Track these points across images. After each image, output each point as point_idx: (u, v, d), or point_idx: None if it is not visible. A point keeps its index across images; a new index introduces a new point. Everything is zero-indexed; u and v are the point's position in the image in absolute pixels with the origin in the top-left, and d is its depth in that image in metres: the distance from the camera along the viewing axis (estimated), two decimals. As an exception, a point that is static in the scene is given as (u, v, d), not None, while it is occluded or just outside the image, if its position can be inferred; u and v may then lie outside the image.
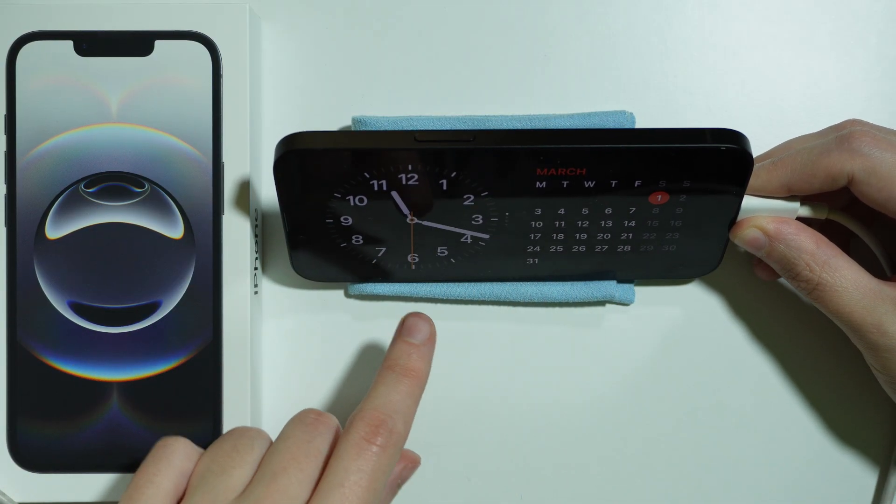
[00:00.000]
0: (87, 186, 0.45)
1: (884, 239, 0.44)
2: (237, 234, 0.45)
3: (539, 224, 0.43)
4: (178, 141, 0.45)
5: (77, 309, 0.45)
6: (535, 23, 0.48)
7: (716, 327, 0.48)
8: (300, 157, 0.40)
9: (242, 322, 0.45)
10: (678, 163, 0.40)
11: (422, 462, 0.47)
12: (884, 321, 0.41)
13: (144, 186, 0.45)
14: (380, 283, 0.47)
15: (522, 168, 0.40)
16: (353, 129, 0.46)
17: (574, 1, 0.48)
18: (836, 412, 0.48)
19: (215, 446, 0.41)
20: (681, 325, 0.48)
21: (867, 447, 0.48)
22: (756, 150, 0.41)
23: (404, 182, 0.40)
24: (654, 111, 0.48)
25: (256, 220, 0.46)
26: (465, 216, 0.42)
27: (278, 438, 0.40)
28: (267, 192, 0.47)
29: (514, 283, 0.47)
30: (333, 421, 0.41)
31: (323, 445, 0.39)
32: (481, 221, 0.43)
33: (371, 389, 0.40)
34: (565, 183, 0.40)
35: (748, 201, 0.42)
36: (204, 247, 0.45)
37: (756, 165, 0.41)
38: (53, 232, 0.45)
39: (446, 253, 0.45)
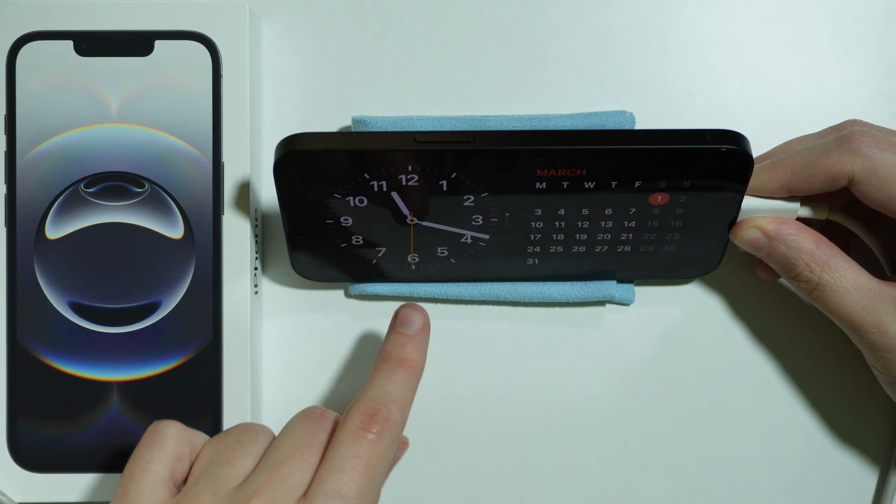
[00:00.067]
0: (87, 186, 0.45)
1: (884, 239, 0.44)
2: (237, 234, 0.45)
3: (539, 224, 0.43)
4: (178, 141, 0.45)
5: (77, 309, 0.45)
6: (535, 23, 0.48)
7: (716, 327, 0.48)
8: (300, 158, 0.39)
9: (242, 322, 0.45)
10: (678, 164, 0.40)
11: (422, 462, 0.47)
12: (884, 321, 0.41)
13: (144, 186, 0.45)
14: (380, 283, 0.47)
15: (523, 169, 0.40)
16: (352, 129, 0.46)
17: (574, 1, 0.48)
18: (836, 412, 0.48)
19: (219, 438, 0.41)
20: (681, 326, 0.48)
21: (867, 447, 0.48)
22: (756, 150, 0.41)
23: (404, 183, 0.40)
24: (654, 111, 0.48)
25: (256, 220, 0.46)
26: (465, 217, 0.42)
27: (282, 431, 0.40)
28: (267, 193, 0.47)
29: (514, 283, 0.47)
30: (336, 416, 0.41)
31: (326, 438, 0.40)
32: (481, 222, 0.43)
33: (367, 381, 0.41)
34: (565, 183, 0.40)
35: (748, 202, 0.42)
36: (204, 247, 0.45)
37: (756, 166, 0.41)
38: (53, 232, 0.45)
39: (446, 253, 0.45)
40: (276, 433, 0.41)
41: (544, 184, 0.40)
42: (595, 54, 0.48)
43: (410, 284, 0.47)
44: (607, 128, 0.45)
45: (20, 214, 0.45)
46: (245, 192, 0.45)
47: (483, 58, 0.48)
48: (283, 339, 0.48)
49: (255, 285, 0.46)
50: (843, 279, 0.42)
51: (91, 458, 0.45)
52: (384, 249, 0.44)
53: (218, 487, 0.38)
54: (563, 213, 0.42)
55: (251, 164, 0.45)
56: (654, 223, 0.43)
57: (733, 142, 0.39)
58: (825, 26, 0.48)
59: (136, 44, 0.45)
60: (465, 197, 0.41)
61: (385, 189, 0.41)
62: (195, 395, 0.45)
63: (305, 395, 0.48)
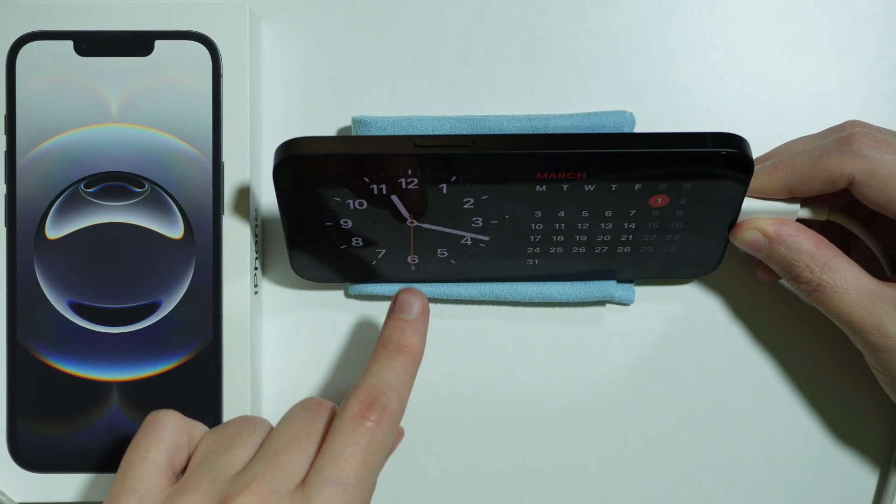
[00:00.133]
0: (87, 186, 0.45)
1: (884, 240, 0.44)
2: (237, 234, 0.45)
3: (539, 226, 0.43)
4: (178, 141, 0.45)
5: (77, 309, 0.45)
6: (535, 23, 0.48)
7: (716, 327, 0.48)
8: (299, 163, 0.39)
9: (242, 322, 0.45)
10: (679, 167, 0.40)
11: (422, 462, 0.47)
12: (884, 322, 0.41)
13: (144, 186, 0.45)
14: (380, 283, 0.47)
15: (522, 172, 0.40)
16: (352, 129, 0.46)
17: (574, 1, 0.48)
18: (836, 412, 0.48)
19: (218, 429, 0.41)
20: (681, 325, 0.48)
21: (867, 447, 0.48)
22: (756, 150, 0.41)
23: (404, 186, 0.40)
24: (654, 111, 0.48)
25: (256, 220, 0.46)
26: (464, 219, 0.42)
27: (280, 421, 0.40)
28: (267, 193, 0.47)
29: (514, 282, 0.47)
30: (334, 406, 0.41)
31: (323, 427, 0.40)
32: (481, 224, 0.43)
33: (366, 368, 0.41)
34: (565, 186, 0.40)
35: (748, 203, 0.42)
36: (204, 247, 0.45)
37: (756, 167, 0.41)
38: (53, 232, 0.45)
39: (446, 254, 0.45)
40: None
41: (544, 187, 0.40)
42: (595, 54, 0.48)
43: (410, 284, 0.47)
44: (607, 128, 0.45)
45: (20, 214, 0.45)
46: (245, 191, 0.45)
47: (483, 58, 0.48)
48: (282, 339, 0.48)
49: (255, 285, 0.46)
50: (844, 280, 0.42)
51: (91, 458, 0.45)
52: (384, 251, 0.44)
53: (216, 476, 0.38)
54: (562, 215, 0.42)
55: (251, 164, 0.45)
56: (654, 225, 0.43)
57: (734, 145, 0.39)
58: (825, 26, 0.48)
59: (136, 44, 0.45)
60: (464, 199, 0.41)
61: (385, 192, 0.41)
62: (195, 394, 0.45)
63: (305, 395, 0.48)
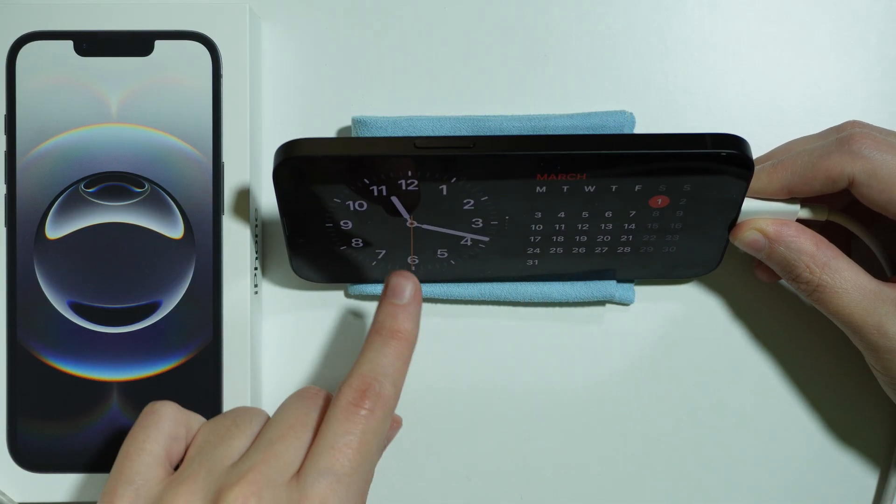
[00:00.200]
0: (87, 186, 0.45)
1: (884, 240, 0.44)
2: (237, 234, 0.45)
3: (539, 227, 0.43)
4: (178, 141, 0.45)
5: (77, 309, 0.45)
6: (535, 23, 0.48)
7: (716, 327, 0.48)
8: (299, 164, 0.39)
9: (242, 322, 0.45)
10: (679, 168, 0.40)
11: (422, 462, 0.47)
12: (884, 322, 0.41)
13: (144, 186, 0.45)
14: (380, 284, 0.47)
15: (522, 173, 0.40)
16: (352, 129, 0.46)
17: (574, 1, 0.48)
18: (836, 412, 0.48)
19: (215, 420, 0.41)
20: (681, 325, 0.48)
21: (867, 447, 0.48)
22: (756, 150, 0.41)
23: (404, 187, 0.40)
24: (654, 111, 0.48)
25: (256, 220, 0.46)
26: (464, 220, 0.42)
27: (277, 411, 0.40)
28: (267, 193, 0.47)
29: (514, 282, 0.47)
30: (330, 395, 0.41)
31: (319, 416, 0.40)
32: (481, 225, 0.43)
33: (359, 355, 0.40)
34: (565, 187, 0.40)
35: (748, 204, 0.42)
36: (204, 247, 0.45)
37: (756, 167, 0.41)
38: (53, 232, 0.45)
39: (446, 255, 0.45)
40: (272, 416, 0.41)
41: (544, 187, 0.40)
42: (595, 54, 0.48)
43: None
44: (607, 128, 0.45)
45: (20, 214, 0.45)
46: (245, 192, 0.45)
47: (483, 58, 0.48)
48: (282, 339, 0.48)
49: (255, 285, 0.46)
50: (844, 280, 0.42)
51: (91, 458, 0.45)
52: (384, 252, 0.44)
53: (213, 466, 0.38)
54: (562, 215, 0.42)
55: (251, 164, 0.45)
56: (654, 225, 0.43)
57: (734, 146, 0.39)
58: (825, 26, 0.48)
59: (136, 44, 0.45)
60: (464, 200, 0.41)
61: (385, 193, 0.41)
62: (195, 395, 0.45)
63: (305, 395, 0.48)
